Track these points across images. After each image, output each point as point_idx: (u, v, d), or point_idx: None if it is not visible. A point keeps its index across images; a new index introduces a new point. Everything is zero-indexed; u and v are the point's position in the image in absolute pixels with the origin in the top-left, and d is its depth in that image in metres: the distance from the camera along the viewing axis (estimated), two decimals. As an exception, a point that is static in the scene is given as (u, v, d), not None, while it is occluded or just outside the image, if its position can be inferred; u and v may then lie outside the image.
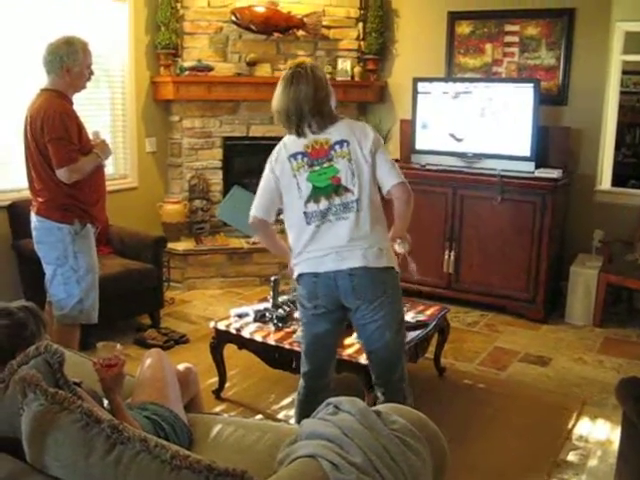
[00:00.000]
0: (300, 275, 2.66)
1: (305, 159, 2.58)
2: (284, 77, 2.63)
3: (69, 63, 3.19)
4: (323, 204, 2.56)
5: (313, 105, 2.55)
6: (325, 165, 2.56)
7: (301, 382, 2.84)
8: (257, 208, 2.70)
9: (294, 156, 2.59)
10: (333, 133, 2.58)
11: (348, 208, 2.55)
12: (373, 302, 2.57)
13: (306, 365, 2.79)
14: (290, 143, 2.64)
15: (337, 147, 2.56)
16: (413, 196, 2.64)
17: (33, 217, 3.35)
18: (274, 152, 2.68)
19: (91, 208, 3.33)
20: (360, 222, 2.55)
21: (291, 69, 2.64)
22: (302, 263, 2.64)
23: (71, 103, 3.29)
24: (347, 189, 2.55)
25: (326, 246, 2.56)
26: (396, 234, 2.73)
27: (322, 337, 2.72)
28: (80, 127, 3.27)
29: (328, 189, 2.56)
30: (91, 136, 3.41)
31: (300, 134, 2.60)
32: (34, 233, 3.36)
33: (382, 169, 2.59)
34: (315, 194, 2.57)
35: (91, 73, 3.34)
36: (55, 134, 3.14)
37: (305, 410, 2.74)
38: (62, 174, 3.17)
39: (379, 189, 2.65)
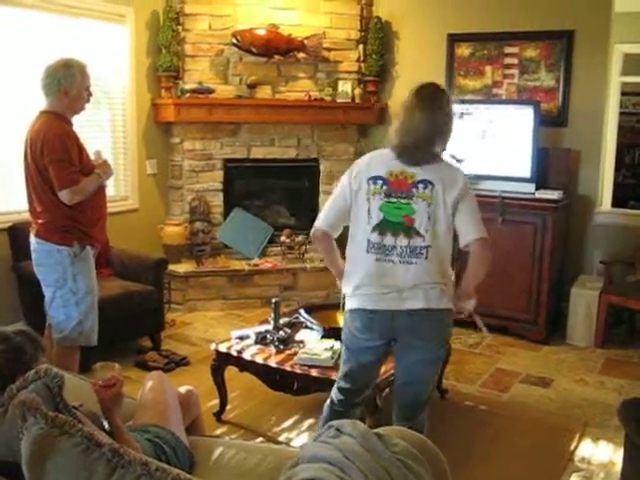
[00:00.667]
0: (355, 309, 2.57)
1: (384, 187, 2.46)
2: (419, 93, 2.47)
3: (67, 86, 3.21)
4: (388, 239, 2.45)
5: (436, 136, 2.45)
6: (403, 201, 2.43)
7: (337, 395, 2.74)
8: (322, 220, 2.61)
9: (374, 179, 2.48)
10: (423, 170, 2.44)
11: (416, 254, 2.43)
12: (430, 340, 2.52)
13: (345, 383, 2.71)
14: (375, 162, 2.53)
15: (420, 186, 2.42)
16: (491, 253, 2.50)
17: (32, 239, 3.34)
18: (355, 166, 2.58)
19: (91, 229, 3.33)
20: (427, 269, 2.44)
21: (425, 90, 2.49)
22: (357, 298, 2.54)
23: (70, 125, 3.30)
24: (418, 233, 2.42)
25: (386, 285, 2.47)
26: (465, 290, 2.59)
27: (368, 365, 2.66)
28: (80, 148, 3.28)
29: (398, 226, 2.44)
30: (92, 156, 3.42)
31: (399, 156, 2.47)
32: (33, 255, 3.36)
33: (463, 219, 2.45)
34: (383, 226, 2.46)
35: (90, 95, 3.35)
36: (55, 156, 3.14)
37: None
38: (64, 196, 3.18)
39: (455, 237, 2.52)
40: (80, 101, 3.30)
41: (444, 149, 2.54)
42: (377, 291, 2.48)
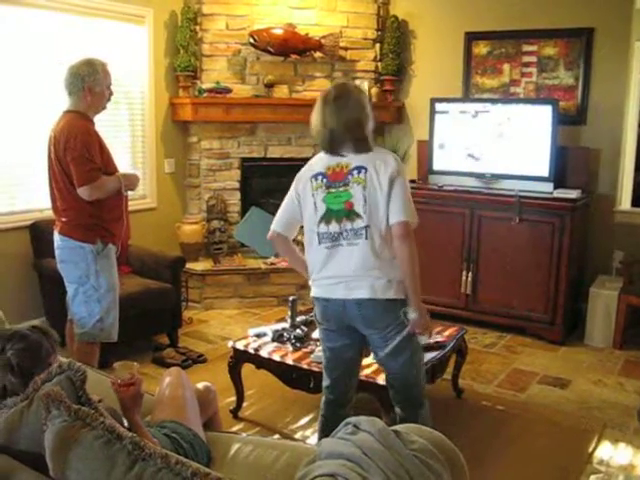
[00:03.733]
0: (314, 297, 2.70)
1: (324, 180, 2.59)
2: (323, 96, 2.62)
3: (90, 83, 3.25)
4: (334, 227, 2.56)
5: (348, 128, 2.56)
6: (341, 189, 2.55)
7: (322, 397, 2.86)
8: (277, 222, 2.75)
9: (315, 176, 2.62)
10: (357, 159, 2.56)
11: (357, 235, 2.53)
12: (383, 330, 2.58)
13: (326, 379, 2.81)
14: (316, 162, 2.67)
15: (355, 172, 2.54)
16: (413, 240, 2.51)
17: (56, 236, 3.39)
18: (302, 169, 2.72)
19: (113, 226, 3.37)
20: (369, 251, 2.52)
21: (332, 89, 2.66)
22: (316, 287, 2.67)
23: (93, 124, 3.34)
24: (358, 215, 2.53)
25: (337, 274, 2.57)
26: (408, 298, 2.56)
27: (339, 351, 2.73)
28: (102, 147, 3.31)
29: (340, 213, 2.55)
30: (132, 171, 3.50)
31: (332, 154, 2.60)
32: (57, 252, 3.40)
33: (392, 203, 2.51)
34: (328, 216, 2.58)
35: (111, 93, 3.40)
36: (76, 153, 3.19)
37: (324, 425, 2.80)
38: (83, 192, 3.22)
39: None
40: (102, 99, 3.34)
41: (368, 133, 2.62)
42: (330, 281, 2.60)
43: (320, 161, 2.65)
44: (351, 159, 2.56)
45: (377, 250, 2.53)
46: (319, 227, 2.59)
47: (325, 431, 2.70)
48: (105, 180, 3.27)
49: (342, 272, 2.56)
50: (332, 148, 2.59)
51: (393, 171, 2.52)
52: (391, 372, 2.71)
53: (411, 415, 2.67)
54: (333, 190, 2.57)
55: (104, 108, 3.41)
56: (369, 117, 2.64)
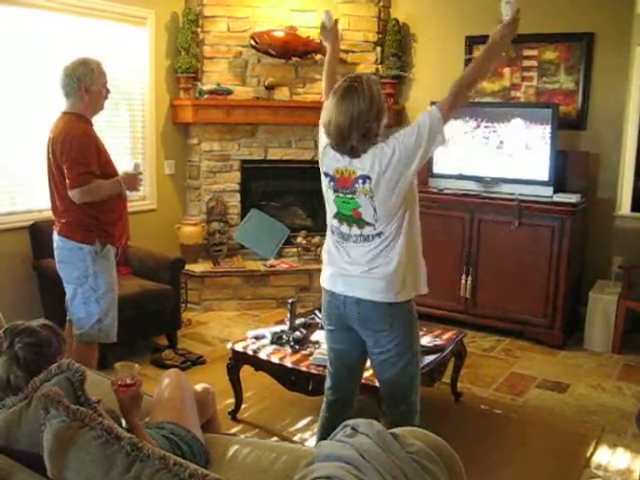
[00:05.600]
0: (322, 287, 2.68)
1: (332, 183, 2.54)
2: (337, 89, 2.47)
3: (87, 83, 3.25)
4: (344, 228, 2.54)
5: (361, 123, 2.39)
6: (349, 196, 2.49)
7: (324, 398, 2.84)
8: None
9: (325, 175, 2.58)
10: (362, 164, 2.44)
11: (368, 239, 2.49)
12: (379, 333, 2.53)
13: (329, 380, 2.80)
14: (326, 156, 2.58)
15: (360, 181, 2.45)
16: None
17: (55, 237, 3.38)
18: (325, 146, 2.57)
19: (112, 228, 3.37)
20: (378, 252, 2.48)
21: (345, 82, 2.48)
22: (324, 275, 2.66)
23: (91, 125, 3.34)
24: (368, 223, 2.47)
25: (342, 267, 2.55)
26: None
27: (342, 352, 2.72)
28: (99, 149, 3.30)
29: (350, 219, 2.51)
30: (132, 167, 3.48)
31: (340, 152, 2.48)
32: (56, 253, 3.40)
33: (415, 137, 2.44)
34: (339, 216, 2.56)
35: (108, 92, 3.39)
36: (70, 156, 3.18)
37: (323, 426, 2.78)
38: (73, 195, 3.21)
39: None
40: (100, 98, 3.34)
41: (378, 129, 2.46)
42: (334, 271, 2.58)
43: (333, 157, 2.52)
44: (356, 164, 2.45)
45: (385, 252, 2.48)
46: (333, 220, 2.58)
47: (325, 432, 2.66)
48: (99, 184, 3.25)
49: (346, 268, 2.53)
50: (341, 146, 2.46)
51: (391, 154, 2.40)
52: (383, 379, 2.66)
53: (398, 426, 2.61)
54: (341, 195, 2.51)
55: (102, 108, 3.40)
56: (382, 110, 2.46)
